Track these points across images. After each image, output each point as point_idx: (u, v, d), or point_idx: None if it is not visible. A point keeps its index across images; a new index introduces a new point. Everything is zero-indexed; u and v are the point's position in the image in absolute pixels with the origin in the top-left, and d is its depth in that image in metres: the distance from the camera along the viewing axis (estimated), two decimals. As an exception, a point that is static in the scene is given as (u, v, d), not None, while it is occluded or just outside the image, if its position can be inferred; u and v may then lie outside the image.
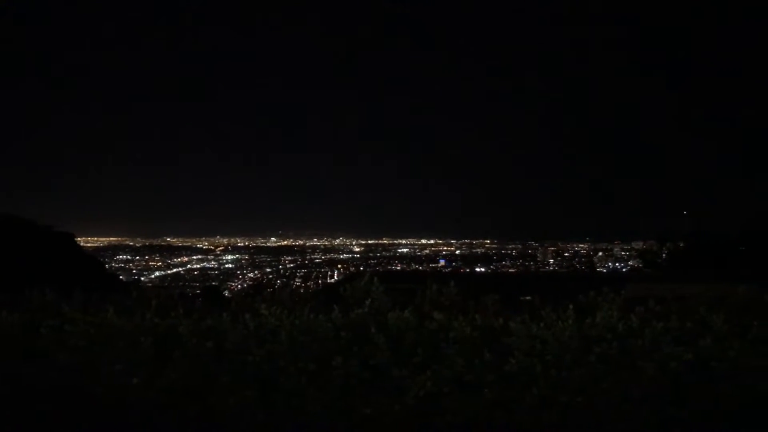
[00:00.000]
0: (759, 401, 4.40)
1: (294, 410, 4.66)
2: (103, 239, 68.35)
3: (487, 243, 77.35)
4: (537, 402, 4.49)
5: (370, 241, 79.14)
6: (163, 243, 71.73)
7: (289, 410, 4.66)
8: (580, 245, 69.69)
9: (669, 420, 4.43)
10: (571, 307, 4.74)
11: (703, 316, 4.65)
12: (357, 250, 74.92)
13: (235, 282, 54.48)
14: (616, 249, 62.02)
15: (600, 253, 62.99)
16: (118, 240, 70.04)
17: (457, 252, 74.13)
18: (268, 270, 63.39)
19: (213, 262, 65.86)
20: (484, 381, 4.56)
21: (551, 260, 64.75)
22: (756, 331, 4.51)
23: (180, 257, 65.15)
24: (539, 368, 4.53)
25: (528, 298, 5.25)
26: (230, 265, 65.08)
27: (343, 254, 72.78)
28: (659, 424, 4.42)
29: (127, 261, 60.40)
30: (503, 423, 4.52)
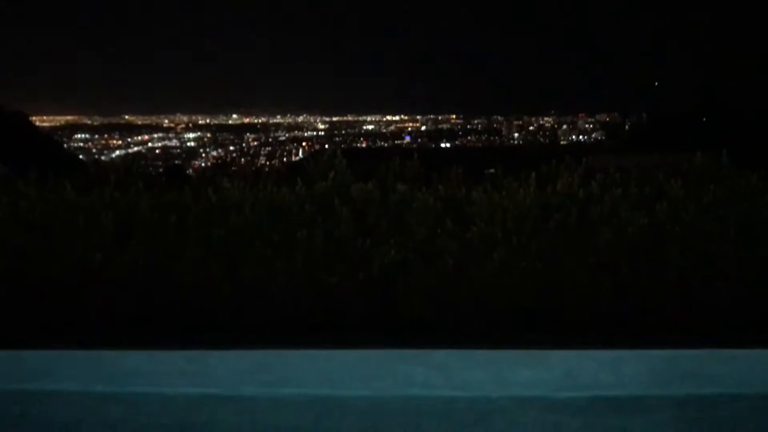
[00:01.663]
0: (708, 262, 4.59)
1: (260, 282, 4.73)
2: (59, 118, 66.22)
3: (452, 118, 77.00)
4: (497, 267, 4.62)
5: (334, 119, 78.15)
6: (122, 121, 69.82)
7: (255, 282, 4.73)
8: (545, 119, 69.84)
9: (624, 281, 4.61)
10: (533, 175, 4.79)
11: (661, 183, 4.75)
12: (321, 127, 74.04)
13: (198, 160, 53.89)
14: (580, 122, 62.40)
15: (564, 126, 63.40)
16: (74, 119, 67.93)
17: (423, 128, 73.82)
18: (232, 148, 62.66)
19: (175, 141, 64.69)
20: (446, 249, 4.66)
21: (516, 134, 65.09)
22: (711, 196, 4.64)
23: (141, 136, 63.79)
24: (500, 236, 4.63)
25: (491, 170, 5.29)
26: (192, 144, 64.08)
27: (307, 132, 71.99)
28: (614, 286, 4.60)
29: (85, 140, 58.97)
30: (465, 288, 4.66)
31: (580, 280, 4.62)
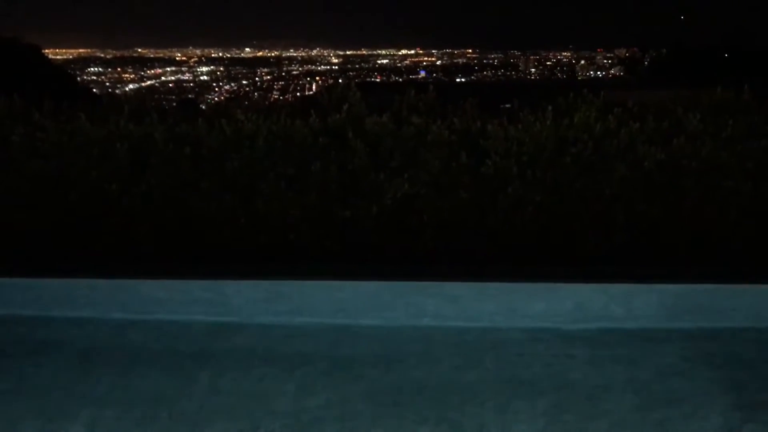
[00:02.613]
0: (724, 197, 4.55)
1: (274, 214, 4.76)
2: (72, 51, 65.69)
3: (468, 53, 75.63)
4: (512, 202, 4.61)
5: (348, 53, 77.02)
6: (135, 54, 69.22)
7: (269, 214, 4.76)
8: (563, 53, 68.44)
9: (638, 215, 4.60)
10: (549, 108, 4.72)
11: (679, 116, 4.67)
12: (335, 61, 73.09)
13: (211, 95, 53.52)
14: (598, 57, 61.07)
15: (582, 62, 62.12)
16: (87, 52, 67.39)
17: (438, 63, 72.65)
18: (245, 82, 62.09)
19: (188, 75, 64.17)
20: (460, 182, 4.65)
21: (533, 69, 63.93)
22: (730, 130, 4.56)
23: (153, 69, 63.27)
24: (515, 169, 4.60)
25: (507, 105, 5.21)
26: (205, 78, 63.53)
27: (320, 66, 71.09)
28: (628, 221, 4.59)
29: (98, 74, 58.57)
30: (478, 222, 4.67)
31: (594, 214, 4.61)
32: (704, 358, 3.75)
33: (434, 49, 76.98)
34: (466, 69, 66.78)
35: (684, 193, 4.56)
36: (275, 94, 54.65)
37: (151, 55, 69.36)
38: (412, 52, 76.85)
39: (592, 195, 4.59)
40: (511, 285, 4.24)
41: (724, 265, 4.46)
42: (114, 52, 68.15)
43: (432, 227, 4.70)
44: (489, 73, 64.30)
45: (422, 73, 65.17)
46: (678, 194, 4.56)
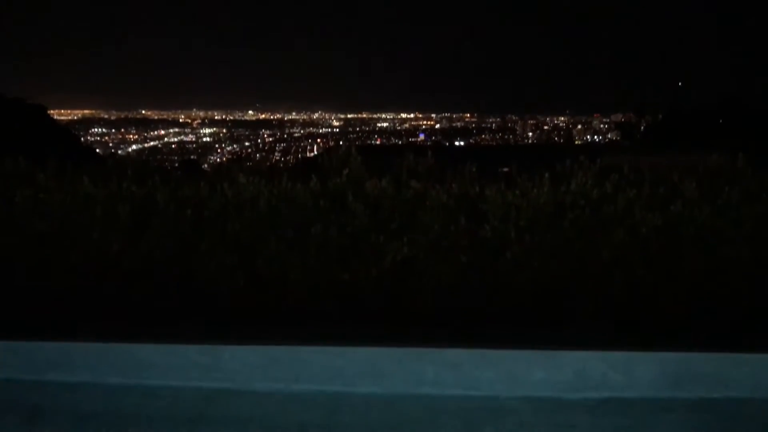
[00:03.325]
0: (722, 264, 4.56)
1: (274, 276, 4.75)
2: (77, 112, 66.74)
3: (466, 117, 76.88)
4: (510, 266, 4.61)
5: (349, 116, 78.28)
6: (138, 116, 70.33)
7: (269, 276, 4.76)
8: (560, 118, 69.58)
9: (636, 281, 4.59)
10: (546, 175, 4.77)
11: (675, 183, 4.72)
12: (336, 124, 74.23)
13: (214, 156, 54.13)
14: (595, 122, 62.08)
15: (579, 126, 63.08)
16: (92, 113, 68.46)
17: (437, 126, 73.76)
18: (247, 144, 62.93)
19: (191, 136, 65.08)
20: (459, 246, 4.66)
21: (530, 133, 64.85)
22: (725, 196, 4.60)
23: (157, 130, 64.17)
24: (513, 234, 4.62)
25: (505, 169, 5.27)
26: (208, 139, 64.44)
27: (322, 129, 72.15)
28: (627, 284, 4.59)
29: (102, 134, 59.40)
30: (477, 286, 4.66)
31: (592, 279, 4.61)
32: (706, 430, 3.68)
33: (433, 113, 78.31)
34: (464, 132, 67.78)
35: (683, 259, 4.57)
36: (277, 156, 55.27)
37: (155, 117, 70.45)
38: (412, 115, 78.15)
39: (590, 259, 4.60)
40: (511, 352, 4.20)
41: (725, 332, 4.43)
42: (118, 113, 69.27)
43: (431, 290, 4.69)
44: (487, 137, 65.20)
45: (421, 136, 66.12)
46: (677, 260, 4.57)
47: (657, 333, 4.39)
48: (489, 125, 71.91)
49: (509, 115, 73.17)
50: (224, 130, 67.58)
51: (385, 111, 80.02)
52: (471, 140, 61.41)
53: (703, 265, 4.57)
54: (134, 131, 62.42)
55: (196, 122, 69.39)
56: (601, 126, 57.69)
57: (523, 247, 4.61)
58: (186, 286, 4.80)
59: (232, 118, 74.48)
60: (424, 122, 75.80)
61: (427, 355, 4.21)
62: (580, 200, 4.65)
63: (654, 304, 4.59)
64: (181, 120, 69.81)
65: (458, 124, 74.06)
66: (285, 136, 67.75)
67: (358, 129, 71.35)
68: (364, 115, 78.60)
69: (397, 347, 4.27)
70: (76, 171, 5.07)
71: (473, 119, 75.58)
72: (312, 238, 4.73)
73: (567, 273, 4.63)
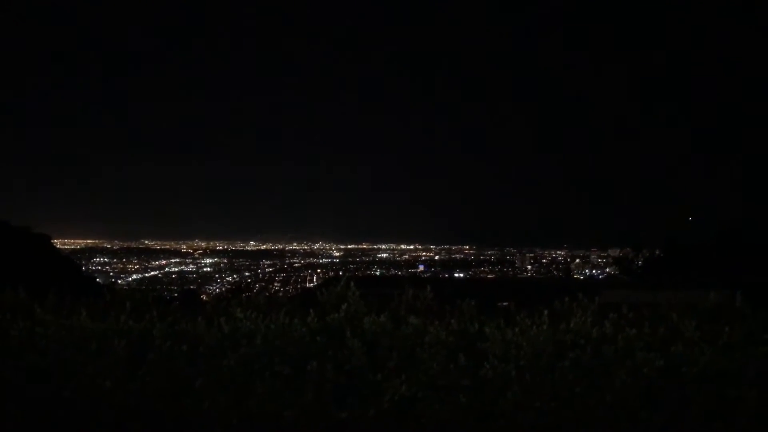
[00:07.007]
0: (727, 406, 4.46)
1: (269, 415, 4.63)
2: (80, 241, 67.59)
3: (465, 249, 77.70)
4: (511, 407, 4.51)
5: (349, 246, 79.14)
6: (140, 246, 71.14)
7: (264, 415, 4.64)
8: (558, 252, 70.27)
9: (641, 424, 4.47)
10: (546, 313, 4.77)
11: (675, 322, 4.71)
12: (336, 254, 74.87)
13: (213, 286, 54.14)
14: (593, 256, 62.65)
15: (577, 260, 63.56)
16: (95, 242, 69.32)
17: (436, 257, 74.37)
18: (247, 274, 63.12)
19: (191, 266, 65.43)
20: (458, 385, 4.58)
21: (529, 266, 65.22)
22: (726, 337, 4.58)
23: (158, 260, 64.60)
24: (514, 373, 4.55)
25: (504, 303, 5.28)
26: (209, 269, 64.71)
27: (322, 259, 72.68)
28: (631, 427, 4.46)
29: (104, 264, 59.77)
30: (478, 426, 4.53)
31: (596, 420, 4.49)
32: None
33: (432, 245, 79.18)
34: (463, 264, 68.19)
35: (687, 401, 4.47)
36: (276, 286, 55.25)
37: (157, 247, 71.22)
38: (411, 247, 78.97)
39: (592, 401, 4.50)
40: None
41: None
42: (120, 243, 70.12)
43: (431, 431, 4.56)
44: (486, 269, 65.51)
45: (421, 267, 66.39)
46: (681, 402, 4.47)
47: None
48: (488, 257, 72.50)
49: (508, 248, 73.98)
50: (225, 260, 68.04)
51: (385, 242, 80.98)
52: (470, 272, 61.64)
53: (708, 407, 4.46)
54: (135, 260, 62.82)
55: (197, 252, 70.00)
56: (599, 260, 58.19)
57: (524, 387, 4.53)
58: (179, 424, 4.66)
59: (233, 248, 75.26)
60: (424, 254, 76.48)
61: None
62: (579, 339, 4.62)
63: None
64: (183, 250, 70.50)
65: (457, 255, 74.71)
66: (285, 266, 68.09)
67: (358, 259, 71.83)
68: (365, 246, 79.44)
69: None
70: (74, 303, 5.07)
71: (472, 251, 76.34)
72: (308, 374, 4.65)
73: (569, 414, 4.51)
